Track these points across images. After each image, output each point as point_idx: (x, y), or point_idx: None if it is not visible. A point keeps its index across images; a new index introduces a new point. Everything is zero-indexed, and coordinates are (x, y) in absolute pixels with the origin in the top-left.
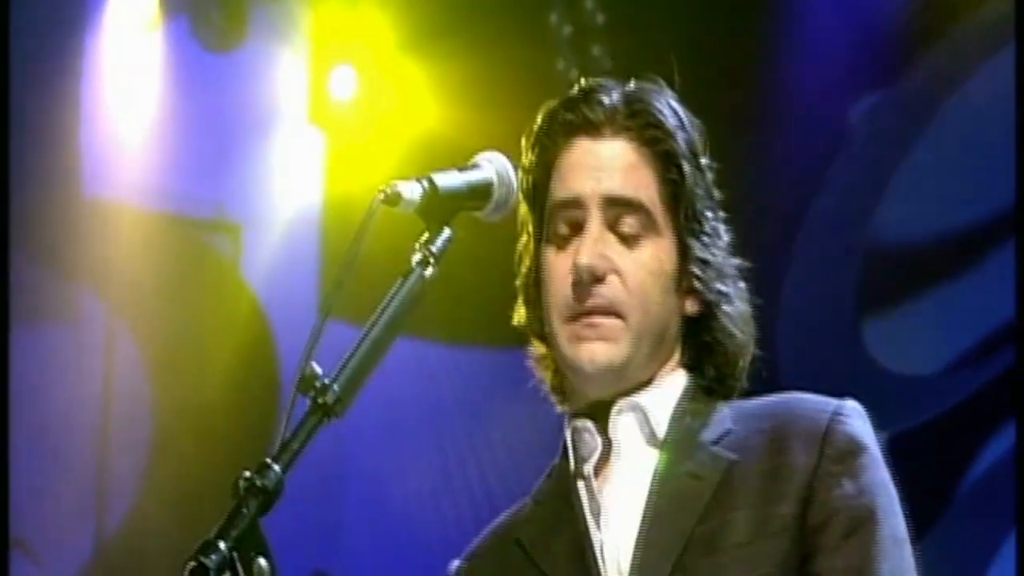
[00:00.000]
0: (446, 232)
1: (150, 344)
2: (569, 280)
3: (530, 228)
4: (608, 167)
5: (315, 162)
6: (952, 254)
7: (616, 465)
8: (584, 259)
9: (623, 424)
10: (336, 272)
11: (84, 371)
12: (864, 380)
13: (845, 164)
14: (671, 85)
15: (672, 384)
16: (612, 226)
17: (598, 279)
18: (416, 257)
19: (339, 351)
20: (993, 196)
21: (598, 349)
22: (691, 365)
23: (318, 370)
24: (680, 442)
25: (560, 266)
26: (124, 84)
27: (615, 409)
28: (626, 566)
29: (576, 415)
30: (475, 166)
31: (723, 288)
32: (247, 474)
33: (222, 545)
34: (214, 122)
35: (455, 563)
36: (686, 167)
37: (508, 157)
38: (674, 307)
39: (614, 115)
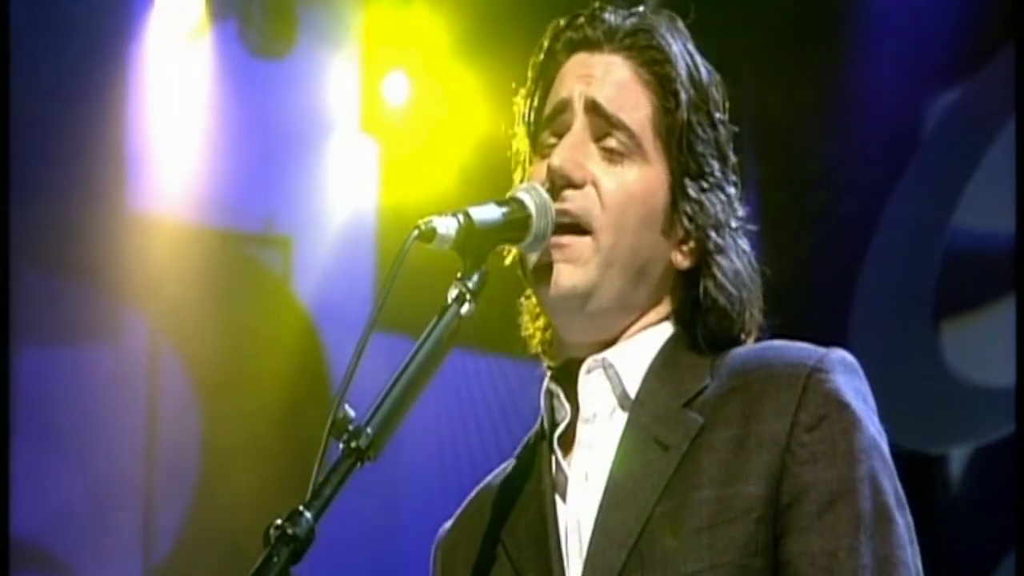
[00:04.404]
0: (483, 268)
1: (197, 364)
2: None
3: (523, 153)
4: (599, 76)
5: (369, 171)
6: None
7: (584, 430)
8: (556, 160)
9: (591, 384)
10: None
11: (127, 392)
12: (940, 390)
13: (922, 165)
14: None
15: (653, 338)
16: (598, 139)
17: (572, 185)
18: (452, 293)
19: (389, 362)
20: None
21: (563, 271)
22: (681, 320)
23: (351, 413)
24: (650, 403)
25: (537, 174)
26: (169, 93)
27: (583, 368)
28: (585, 549)
29: (553, 375)
30: (513, 198)
31: (718, 238)
32: (278, 522)
33: None
34: (263, 131)
35: (446, 524)
36: (683, 96)
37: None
38: (659, 248)
39: (614, 33)
